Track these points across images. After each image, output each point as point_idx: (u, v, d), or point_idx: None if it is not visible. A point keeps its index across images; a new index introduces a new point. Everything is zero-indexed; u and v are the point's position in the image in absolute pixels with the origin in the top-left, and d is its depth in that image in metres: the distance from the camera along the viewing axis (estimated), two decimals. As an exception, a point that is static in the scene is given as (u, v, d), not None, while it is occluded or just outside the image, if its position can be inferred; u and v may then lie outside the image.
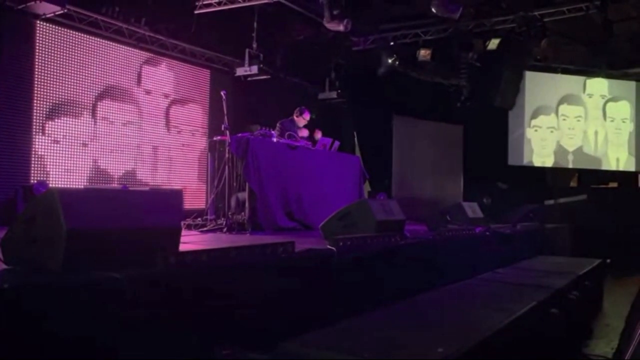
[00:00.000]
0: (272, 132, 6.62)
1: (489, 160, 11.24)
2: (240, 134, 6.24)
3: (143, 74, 8.14)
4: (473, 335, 2.81)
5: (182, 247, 3.01)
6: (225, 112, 6.19)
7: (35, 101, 6.73)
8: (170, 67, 8.53)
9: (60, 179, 6.96)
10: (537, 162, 11.99)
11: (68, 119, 7.11)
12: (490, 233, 6.34)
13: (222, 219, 5.94)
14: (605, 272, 6.82)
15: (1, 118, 6.35)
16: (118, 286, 2.29)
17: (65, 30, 7.07)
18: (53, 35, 6.93)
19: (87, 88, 7.34)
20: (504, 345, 3.05)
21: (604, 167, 12.20)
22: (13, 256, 2.49)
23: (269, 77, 8.55)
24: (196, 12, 8.31)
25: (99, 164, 7.45)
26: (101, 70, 7.52)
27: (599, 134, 12.27)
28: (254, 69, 8.36)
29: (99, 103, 7.48)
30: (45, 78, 6.84)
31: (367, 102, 10.76)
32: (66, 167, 7.05)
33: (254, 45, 8.47)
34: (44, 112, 6.82)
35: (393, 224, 4.98)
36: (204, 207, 7.01)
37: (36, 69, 6.74)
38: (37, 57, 6.75)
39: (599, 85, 12.23)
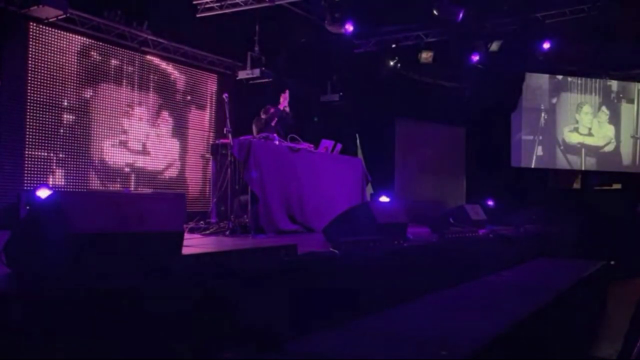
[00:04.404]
0: (274, 134, 6.61)
1: (491, 162, 11.22)
2: (242, 137, 6.24)
3: (145, 77, 8.15)
4: (477, 338, 2.80)
5: (185, 251, 3.01)
6: (227, 115, 6.19)
7: (38, 105, 6.74)
8: (172, 70, 8.54)
9: (62, 183, 6.97)
10: (540, 163, 11.97)
11: (70, 123, 7.12)
12: (493, 235, 6.33)
13: (225, 222, 5.94)
14: (609, 274, 6.79)
15: (3, 123, 6.35)
16: (121, 289, 2.29)
17: (68, 33, 7.09)
18: (55, 39, 6.95)
19: (89, 91, 7.36)
20: (508, 348, 3.04)
21: (608, 169, 12.17)
22: (16, 260, 2.49)
23: (271, 80, 8.55)
24: (198, 15, 8.33)
25: (101, 167, 7.45)
26: (103, 74, 7.54)
27: (602, 135, 12.25)
28: (256, 72, 8.36)
29: (100, 107, 7.49)
30: (47, 81, 6.85)
31: (369, 104, 10.76)
32: (68, 171, 7.05)
33: (256, 49, 8.48)
34: (46, 116, 6.83)
35: (395, 226, 4.98)
36: (207, 210, 7.01)
37: (38, 73, 6.75)
38: (39, 60, 6.76)
39: (602, 87, 12.21)
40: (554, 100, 12.07)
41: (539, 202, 10.17)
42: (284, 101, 7.15)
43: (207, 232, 5.79)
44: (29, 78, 6.66)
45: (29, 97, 6.65)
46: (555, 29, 9.38)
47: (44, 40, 6.81)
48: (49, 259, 2.40)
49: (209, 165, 7.07)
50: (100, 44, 7.50)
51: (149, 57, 8.16)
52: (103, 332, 2.18)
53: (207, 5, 8.28)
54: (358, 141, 10.95)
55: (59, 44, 6.99)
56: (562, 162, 12.06)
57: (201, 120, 9.01)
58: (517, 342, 3.19)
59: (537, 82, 11.95)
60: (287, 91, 7.24)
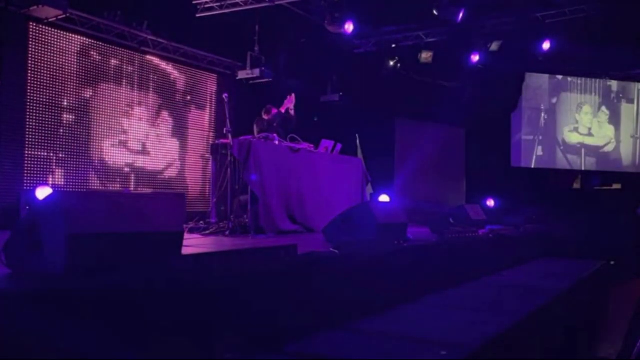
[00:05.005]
0: (274, 134, 6.61)
1: (491, 162, 11.22)
2: (242, 137, 6.24)
3: (145, 77, 8.15)
4: (477, 338, 2.80)
5: (185, 251, 3.01)
6: (227, 115, 6.19)
7: (38, 105, 6.74)
8: (172, 70, 8.54)
9: (62, 183, 6.97)
10: (540, 163, 11.97)
11: (70, 123, 7.12)
12: (493, 235, 6.33)
13: (225, 222, 5.93)
14: (609, 274, 6.79)
15: (3, 123, 6.35)
16: (120, 290, 2.29)
17: (67, 33, 7.09)
18: (55, 39, 6.95)
19: (89, 91, 7.36)
20: (508, 348, 3.03)
21: (608, 169, 12.17)
22: (16, 260, 2.49)
23: (270, 80, 8.55)
24: (198, 15, 8.33)
25: (101, 167, 7.45)
26: (103, 74, 7.54)
27: (602, 135, 12.25)
28: (256, 72, 8.37)
29: (101, 106, 7.49)
30: (47, 81, 6.85)
31: (369, 104, 10.75)
32: (68, 171, 7.05)
33: (256, 49, 8.48)
34: (46, 116, 6.83)
35: (395, 226, 4.97)
36: (206, 210, 7.00)
37: (38, 72, 6.75)
38: (39, 60, 6.76)
39: (602, 87, 12.22)
40: (554, 100, 12.07)
41: (539, 202, 10.17)
42: (289, 104, 7.14)
43: (207, 232, 5.78)
44: (29, 78, 6.66)
45: (29, 97, 6.65)
46: (555, 29, 9.38)
47: (43, 40, 6.81)
48: (48, 259, 2.39)
49: (209, 166, 7.07)
50: (100, 44, 7.50)
51: (148, 57, 8.16)
52: (103, 332, 2.18)
53: (207, 5, 8.28)
54: (358, 141, 10.94)
55: (58, 44, 6.99)
56: (562, 162, 12.07)
57: (201, 120, 9.01)
58: (517, 342, 3.19)
59: (537, 82, 11.96)
60: (294, 95, 7.23)
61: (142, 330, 2.32)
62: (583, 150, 12.13)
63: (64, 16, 6.60)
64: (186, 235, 4.05)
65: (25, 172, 6.60)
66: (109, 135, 7.56)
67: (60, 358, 2.04)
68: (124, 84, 7.83)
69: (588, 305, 5.38)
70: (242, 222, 5.86)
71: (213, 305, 2.64)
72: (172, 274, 2.62)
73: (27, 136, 6.63)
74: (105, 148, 7.51)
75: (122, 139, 7.75)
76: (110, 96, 7.62)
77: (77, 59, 7.22)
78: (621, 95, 12.31)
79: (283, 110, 7.12)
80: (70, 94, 7.12)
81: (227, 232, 5.67)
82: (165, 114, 8.41)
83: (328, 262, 3.54)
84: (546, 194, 11.65)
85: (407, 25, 10.00)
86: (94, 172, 7.36)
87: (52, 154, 6.88)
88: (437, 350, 2.56)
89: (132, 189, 7.81)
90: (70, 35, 7.13)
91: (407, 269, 4.30)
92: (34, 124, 6.70)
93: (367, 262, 3.86)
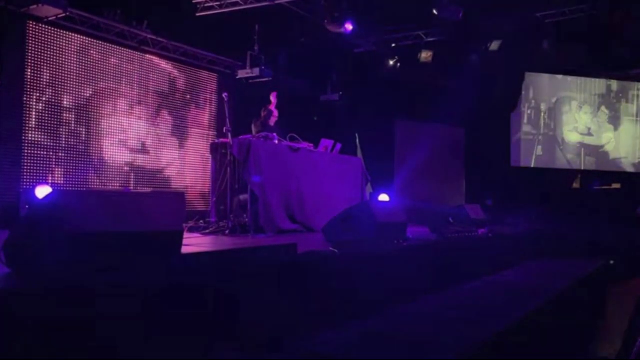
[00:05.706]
0: (274, 134, 6.61)
1: (491, 162, 11.22)
2: (242, 137, 6.24)
3: (144, 76, 8.14)
4: (476, 338, 2.80)
5: (184, 250, 3.01)
6: (227, 114, 6.19)
7: (37, 104, 6.73)
8: (172, 69, 8.53)
9: (61, 182, 6.97)
10: (540, 163, 11.97)
11: (69, 122, 7.11)
12: (493, 235, 6.33)
13: (224, 221, 5.93)
14: (608, 274, 6.79)
15: (2, 122, 6.34)
16: (120, 289, 2.29)
17: (67, 32, 7.08)
18: (54, 38, 6.94)
19: (90, 90, 7.35)
20: (508, 347, 3.04)
21: (608, 169, 12.17)
22: (15, 259, 2.49)
23: (270, 79, 8.55)
24: (198, 14, 8.33)
25: (101, 166, 7.45)
26: (103, 73, 7.53)
27: (602, 135, 12.25)
28: (256, 72, 8.36)
29: (101, 105, 7.48)
30: (46, 81, 6.84)
31: (368, 104, 10.75)
32: (68, 170, 7.05)
33: (256, 48, 8.47)
34: (46, 116, 6.82)
35: (395, 226, 4.98)
36: (206, 209, 7.00)
37: (38, 72, 6.74)
38: (38, 59, 6.75)
39: (602, 87, 12.21)
40: (554, 100, 12.07)
41: (539, 202, 10.17)
42: (274, 100, 7.15)
43: (207, 231, 5.78)
44: (29, 77, 6.65)
45: (28, 97, 6.64)
46: (555, 29, 9.38)
47: (43, 39, 6.80)
48: (48, 258, 2.39)
49: (209, 165, 7.06)
50: (100, 43, 7.49)
51: (148, 56, 8.15)
52: (102, 331, 2.18)
53: (207, 5, 8.27)
54: (358, 141, 10.95)
55: (58, 43, 6.98)
56: (562, 162, 12.06)
57: (201, 119, 9.00)
58: (516, 341, 3.19)
59: (537, 82, 11.95)
60: (276, 92, 7.23)
61: (142, 329, 2.32)
62: (583, 150, 12.13)
63: (63, 15, 6.59)
64: (186, 235, 4.05)
65: (25, 171, 6.59)
66: (108, 134, 7.55)
67: (60, 358, 2.04)
68: (124, 83, 7.82)
69: (587, 305, 5.38)
70: (242, 222, 5.86)
71: (213, 304, 2.64)
72: (172, 274, 2.62)
73: (27, 135, 6.63)
74: (104, 147, 7.50)
75: (122, 138, 7.74)
76: (110, 95, 7.61)
77: (76, 58, 7.21)
78: (621, 95, 12.31)
79: (273, 108, 7.10)
80: (69, 93, 7.11)
81: (227, 232, 5.67)
82: (165, 113, 8.40)
83: (328, 261, 3.54)
84: (546, 193, 11.64)
85: (407, 25, 10.00)
86: (93, 171, 7.35)
87: (51, 153, 6.87)
88: (437, 350, 2.56)
89: (132, 188, 7.80)
90: (70, 34, 7.12)
91: (407, 268, 4.30)
92: (33, 122, 6.69)
93: (367, 261, 3.86)
